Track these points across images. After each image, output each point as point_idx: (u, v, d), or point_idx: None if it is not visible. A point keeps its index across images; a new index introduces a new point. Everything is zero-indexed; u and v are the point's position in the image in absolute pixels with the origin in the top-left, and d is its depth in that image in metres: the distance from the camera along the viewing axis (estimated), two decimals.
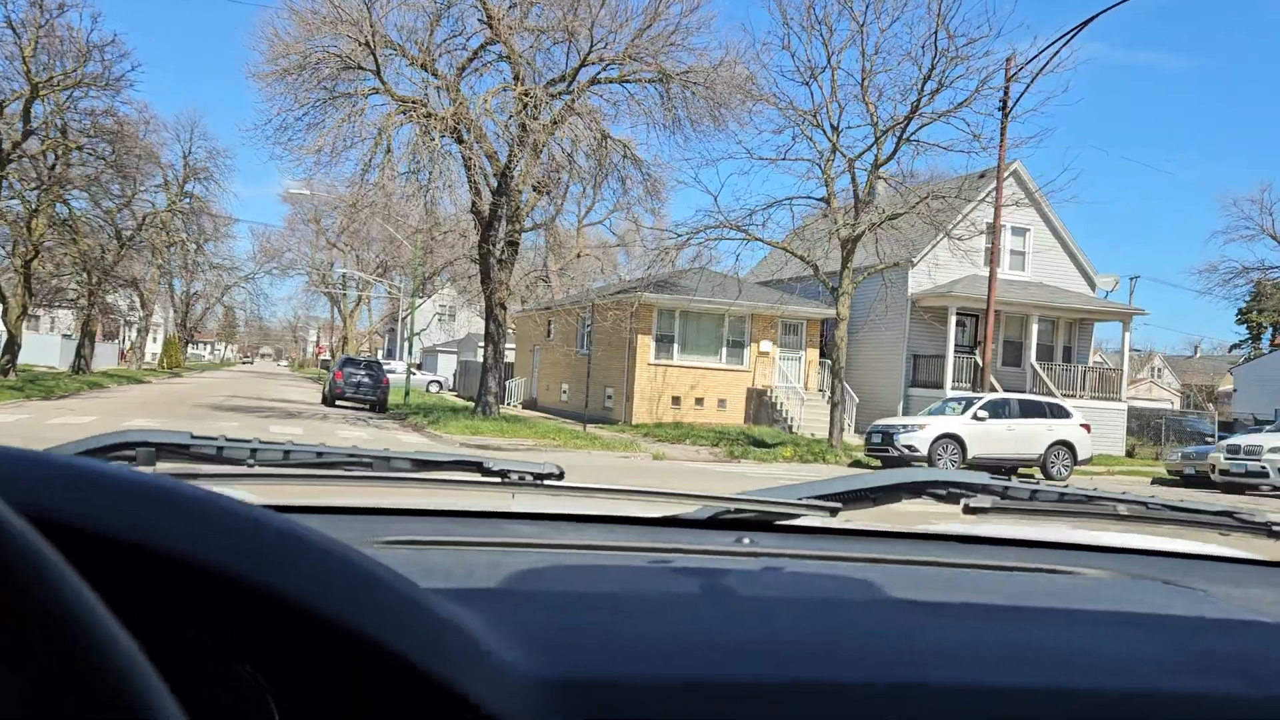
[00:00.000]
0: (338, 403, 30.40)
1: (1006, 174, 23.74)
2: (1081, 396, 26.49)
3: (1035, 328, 28.42)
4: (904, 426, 20.01)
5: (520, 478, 1.23)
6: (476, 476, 1.24)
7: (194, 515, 0.52)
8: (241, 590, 0.51)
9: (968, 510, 1.29)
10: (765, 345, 28.63)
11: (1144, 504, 1.36)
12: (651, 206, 24.42)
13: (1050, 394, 25.63)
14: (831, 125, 21.44)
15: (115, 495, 0.51)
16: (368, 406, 30.05)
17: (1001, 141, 21.21)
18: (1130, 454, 28.57)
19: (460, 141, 21.63)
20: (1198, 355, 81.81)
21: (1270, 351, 46.52)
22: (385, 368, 34.11)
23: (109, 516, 0.50)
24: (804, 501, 1.31)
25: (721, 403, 28.35)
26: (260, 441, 1.24)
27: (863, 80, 21.07)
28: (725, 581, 0.97)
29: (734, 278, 25.89)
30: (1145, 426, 32.37)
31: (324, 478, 1.26)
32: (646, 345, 27.29)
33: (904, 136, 21.02)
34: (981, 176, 26.96)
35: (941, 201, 21.40)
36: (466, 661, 0.57)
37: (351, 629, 0.53)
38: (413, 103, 21.40)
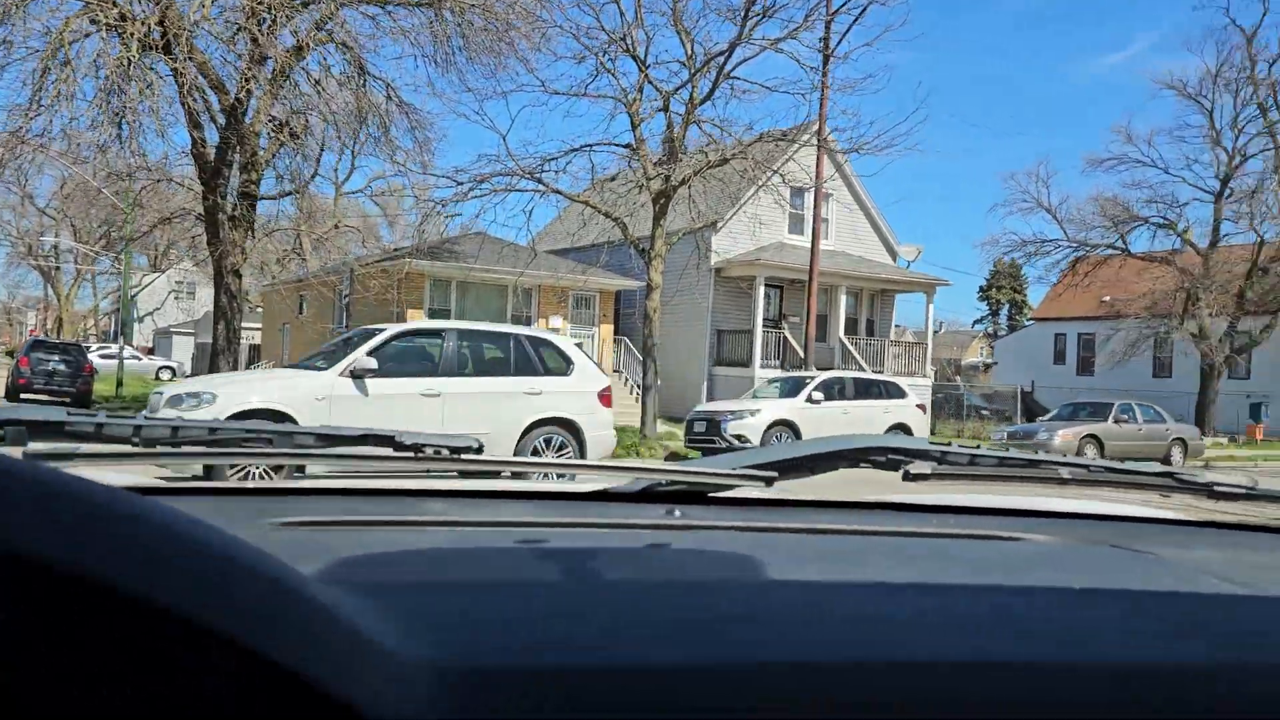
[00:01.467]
0: (23, 396, 23.74)
1: (807, 137, 21.13)
2: (887, 372, 24.31)
3: (843, 299, 26.09)
4: (732, 412, 16.65)
5: (436, 452, 1.17)
6: (387, 452, 1.18)
7: None
8: (52, 576, 0.45)
9: (907, 477, 1.27)
10: (555, 321, 24.74)
11: (1086, 467, 1.36)
12: (423, 159, 19.86)
13: (861, 369, 23.29)
14: (638, 56, 17.68)
15: None
16: (67, 400, 23.62)
17: (824, 82, 18.19)
18: (932, 432, 26.86)
19: (168, 53, 16.16)
20: (942, 330, 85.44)
21: (1030, 325, 47.35)
22: (101, 351, 27.57)
23: None
24: (738, 472, 1.26)
25: None
26: (146, 417, 1.16)
27: (675, 2, 17.42)
28: (649, 558, 0.94)
29: (519, 244, 21.72)
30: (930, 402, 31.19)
31: (220, 455, 1.18)
32: (417, 320, 22.69)
33: (724, 71, 17.57)
34: (784, 137, 24.25)
35: (750, 160, 18.17)
36: (339, 655, 0.52)
37: (187, 617, 0.47)
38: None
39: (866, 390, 18.19)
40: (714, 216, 20.60)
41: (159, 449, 1.16)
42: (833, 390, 17.64)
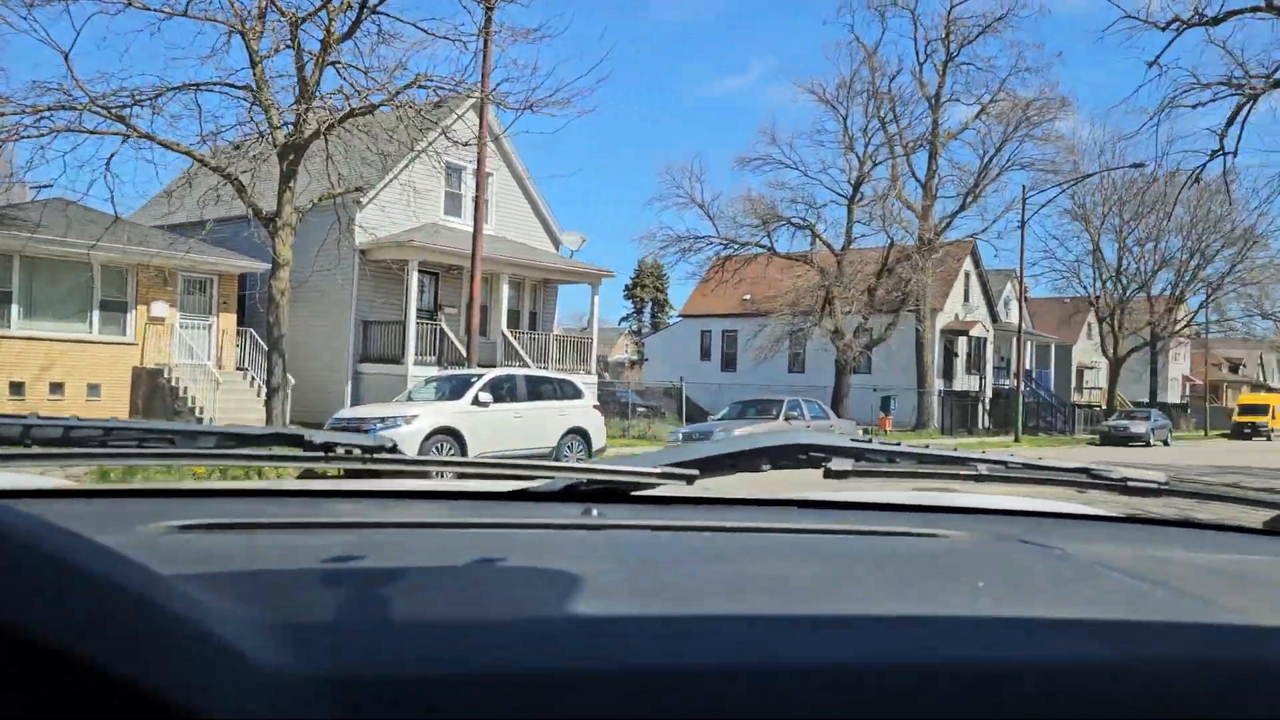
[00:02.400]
0: None
1: (465, 108, 18.42)
2: (551, 368, 22.13)
3: (505, 289, 23.54)
4: (382, 420, 13.41)
5: (347, 452, 1.13)
6: (297, 452, 1.14)
7: None
8: None
9: (828, 474, 1.26)
10: (159, 308, 19.93)
11: (1003, 463, 1.36)
12: None
13: (525, 366, 20.88)
14: None
15: None
16: None
17: (487, 25, 15.46)
18: None
19: None
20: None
21: (677, 322, 47.75)
22: None
23: None
24: (659, 470, 1.24)
25: (93, 389, 19.18)
26: (39, 417, 1.12)
27: None
28: (555, 559, 0.91)
29: (118, 215, 16.81)
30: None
31: (117, 456, 1.14)
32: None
33: (368, 4, 14.26)
34: (438, 105, 21.27)
35: (403, 114, 15.09)
36: (188, 664, 0.49)
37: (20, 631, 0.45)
38: None
39: (540, 390, 15.72)
40: (359, 183, 17.08)
41: (50, 451, 1.12)
42: (502, 390, 14.99)
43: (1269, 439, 48.81)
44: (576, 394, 16.19)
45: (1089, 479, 1.32)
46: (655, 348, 48.94)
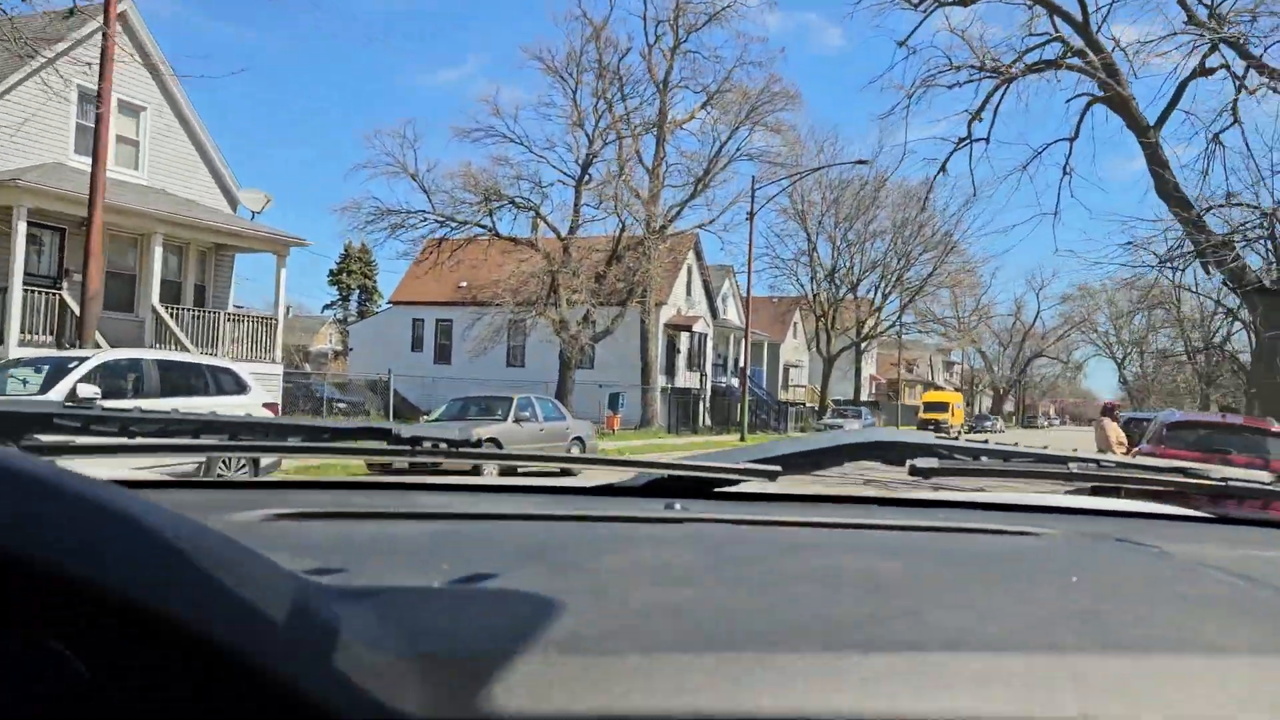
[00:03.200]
0: None
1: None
2: (224, 355, 17.48)
3: (159, 254, 18.44)
4: None
5: (434, 446, 1.15)
6: (383, 444, 1.16)
7: None
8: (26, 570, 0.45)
9: (913, 472, 1.24)
10: None
11: (1095, 462, 1.33)
12: None
13: (184, 350, 16.17)
14: None
15: None
16: None
17: None
18: None
19: None
20: (291, 314, 78.44)
21: (386, 309, 43.07)
22: None
23: None
24: (742, 466, 1.23)
25: None
26: (142, 411, 1.15)
27: None
28: (637, 550, 0.91)
29: None
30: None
31: (215, 448, 1.17)
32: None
33: None
34: (70, 15, 16.10)
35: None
36: (315, 653, 0.51)
37: (154, 611, 0.46)
38: None
39: (181, 381, 11.31)
40: None
41: (152, 442, 1.13)
42: (123, 382, 10.58)
43: (948, 435, 52.04)
44: (239, 387, 11.93)
45: (1184, 479, 1.33)
46: (363, 337, 43.93)
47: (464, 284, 34.43)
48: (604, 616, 0.67)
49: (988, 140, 17.97)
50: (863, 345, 45.42)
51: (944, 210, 42.82)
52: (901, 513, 1.25)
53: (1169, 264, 16.97)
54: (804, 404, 50.67)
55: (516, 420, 15.36)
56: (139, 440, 1.11)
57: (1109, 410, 12.31)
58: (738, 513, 1.11)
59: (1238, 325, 25.29)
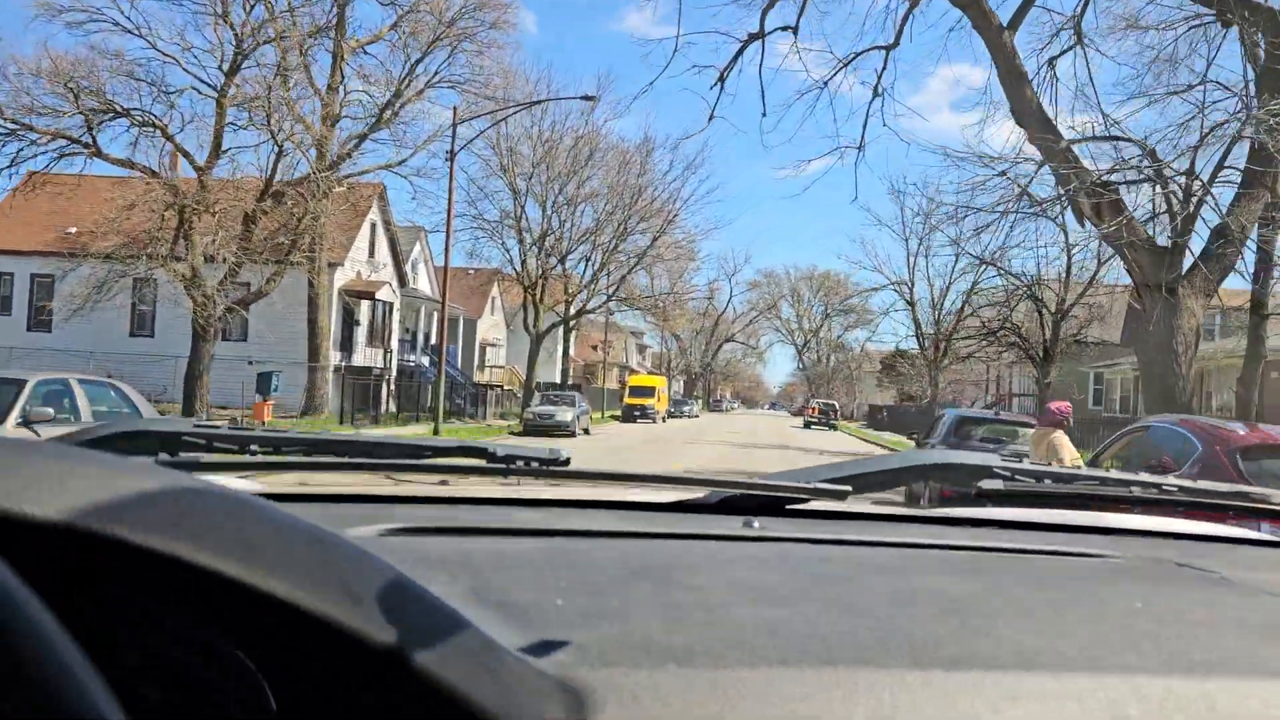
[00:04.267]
0: None
1: None
2: None
3: None
4: None
5: (526, 464, 1.19)
6: (480, 463, 1.20)
7: (185, 508, 0.50)
8: (226, 584, 0.48)
9: (979, 494, 1.26)
10: None
11: (1157, 486, 1.35)
12: None
13: None
14: None
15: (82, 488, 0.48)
16: None
17: None
18: None
19: None
20: None
21: None
22: None
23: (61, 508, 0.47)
24: (813, 485, 1.25)
25: None
26: (264, 428, 1.21)
27: None
28: (735, 569, 0.94)
29: None
30: None
31: (327, 467, 1.21)
32: None
33: None
34: None
35: None
36: (480, 666, 0.54)
37: (339, 625, 0.49)
38: None
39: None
40: None
41: (272, 459, 1.17)
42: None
43: (655, 421, 48.88)
44: None
45: (1248, 504, 1.36)
46: None
47: (72, 229, 25.42)
48: (712, 632, 0.71)
49: (795, 31, 13.28)
50: (572, 324, 40.47)
51: (665, 175, 39.16)
52: (966, 532, 1.28)
53: (1032, 208, 13.23)
54: (502, 386, 45.22)
55: (27, 422, 8.35)
56: (260, 458, 1.16)
57: (1056, 419, 7.56)
58: (814, 531, 1.16)
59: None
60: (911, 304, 29.22)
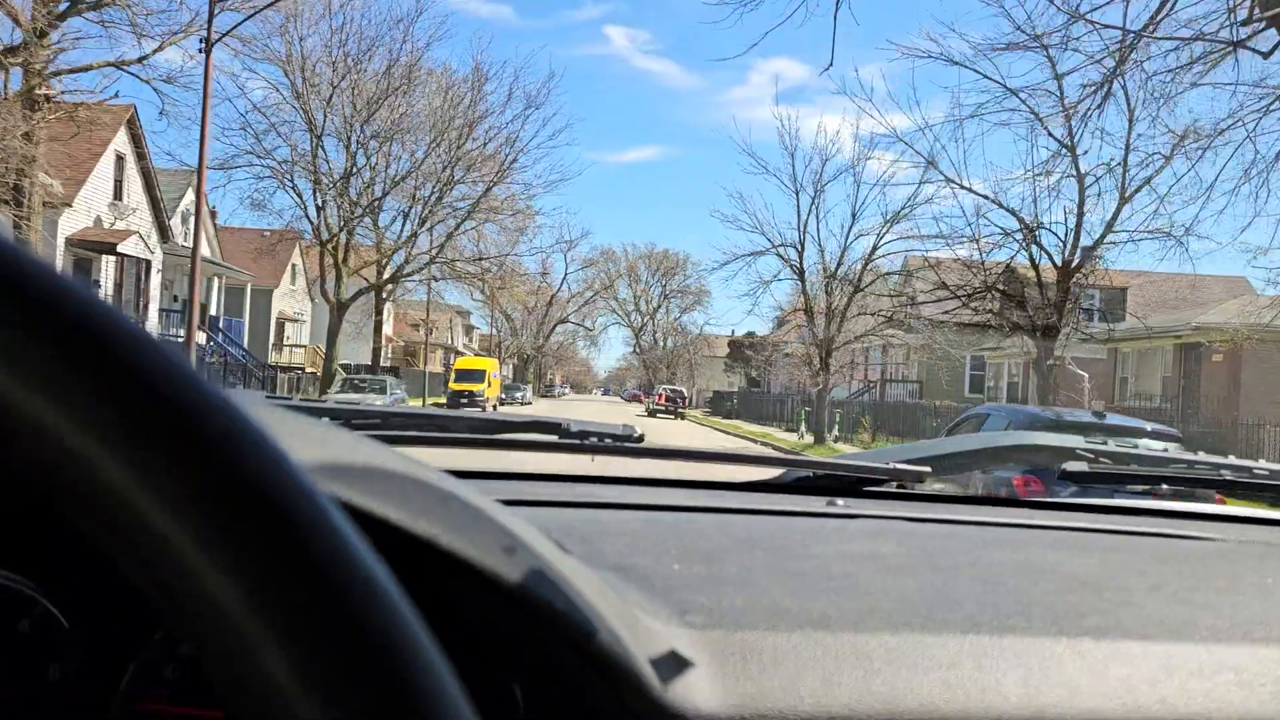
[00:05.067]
0: None
1: None
2: None
3: None
4: None
5: (600, 440, 1.17)
6: (555, 438, 1.19)
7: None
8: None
9: (1064, 475, 1.24)
10: None
11: (1248, 469, 1.31)
12: None
13: None
14: None
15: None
16: None
17: None
18: None
19: None
20: None
21: None
22: None
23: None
24: (891, 466, 1.22)
25: None
26: (334, 404, 1.18)
27: None
28: (845, 541, 0.92)
29: None
30: None
31: (403, 440, 1.19)
32: None
33: None
34: None
35: None
36: (616, 622, 0.54)
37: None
38: None
39: None
40: None
41: (403, 434, 1.17)
42: None
43: (484, 410, 42.60)
44: None
45: None
46: None
47: None
48: (844, 599, 0.69)
49: None
50: (386, 293, 33.35)
51: (501, 112, 32.40)
52: (1059, 515, 1.23)
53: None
54: (304, 369, 37.76)
55: None
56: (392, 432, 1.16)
57: None
58: (902, 510, 1.13)
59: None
60: (801, 272, 24.16)
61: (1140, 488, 1.38)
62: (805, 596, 0.69)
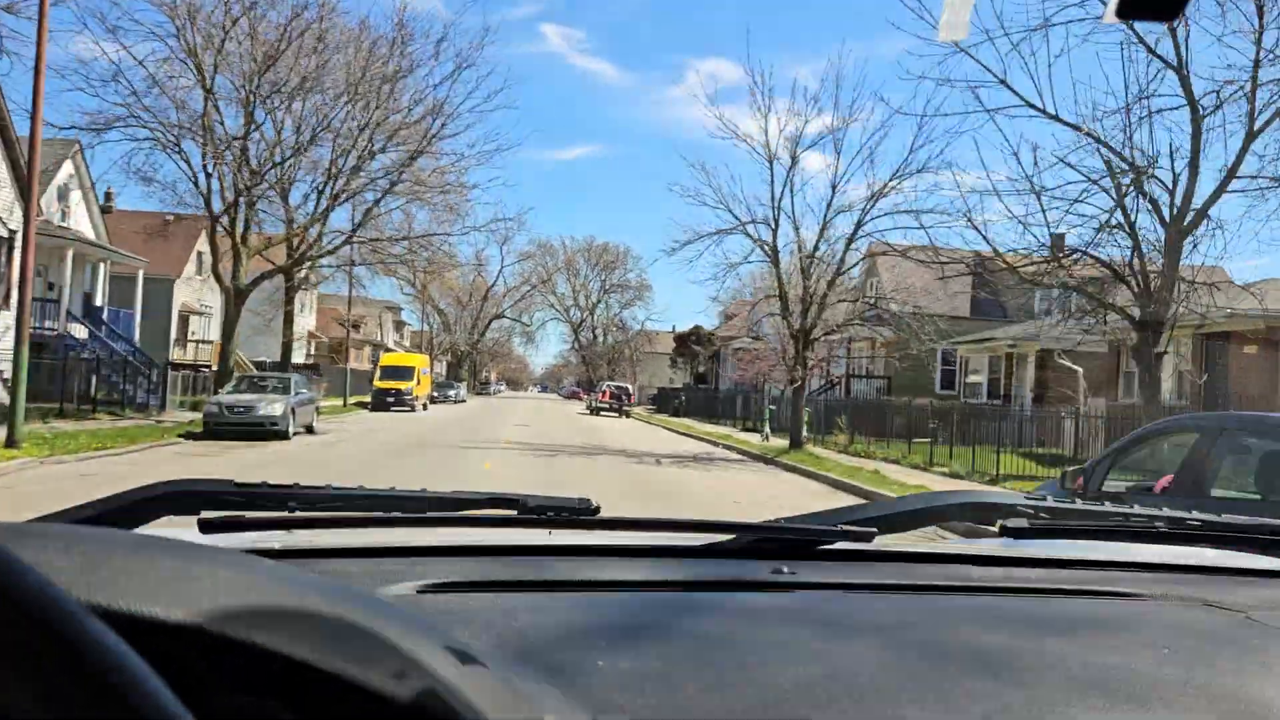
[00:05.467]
0: None
1: None
2: None
3: None
4: None
5: (557, 514, 1.22)
6: (514, 514, 1.23)
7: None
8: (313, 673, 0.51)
9: (1004, 531, 1.27)
10: None
11: (1182, 519, 1.35)
12: None
13: None
14: None
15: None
16: None
17: None
18: None
19: None
20: None
21: None
22: None
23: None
24: (839, 529, 1.27)
25: None
26: (301, 486, 1.23)
27: None
28: (774, 625, 0.97)
29: None
30: None
31: (362, 522, 1.24)
32: None
33: None
34: None
35: None
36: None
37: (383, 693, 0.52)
38: None
39: None
40: None
41: (311, 515, 1.19)
42: None
43: (414, 409, 38.84)
44: None
45: (1273, 536, 1.34)
46: None
47: None
48: (750, 693, 0.74)
49: None
50: (300, 280, 29.24)
51: (428, 73, 28.56)
52: (992, 572, 1.31)
53: None
54: (210, 367, 33.58)
55: None
56: (298, 514, 1.17)
57: None
58: (842, 575, 1.21)
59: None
60: (774, 253, 20.97)
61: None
62: (716, 693, 0.74)
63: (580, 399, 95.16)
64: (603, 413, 46.71)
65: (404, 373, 39.77)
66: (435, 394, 57.26)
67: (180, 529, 1.13)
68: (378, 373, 40.55)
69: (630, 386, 52.37)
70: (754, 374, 30.95)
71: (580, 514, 1.20)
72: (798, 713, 0.71)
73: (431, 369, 63.15)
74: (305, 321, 62.25)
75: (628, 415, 46.79)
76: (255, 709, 0.51)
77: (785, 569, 1.18)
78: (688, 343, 55.72)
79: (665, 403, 55.82)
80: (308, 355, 60.71)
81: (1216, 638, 1.01)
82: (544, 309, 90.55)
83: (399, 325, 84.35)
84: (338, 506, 1.20)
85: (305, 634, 0.51)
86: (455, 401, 57.68)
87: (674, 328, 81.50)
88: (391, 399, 38.00)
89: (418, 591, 1.02)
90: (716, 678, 0.77)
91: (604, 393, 48.59)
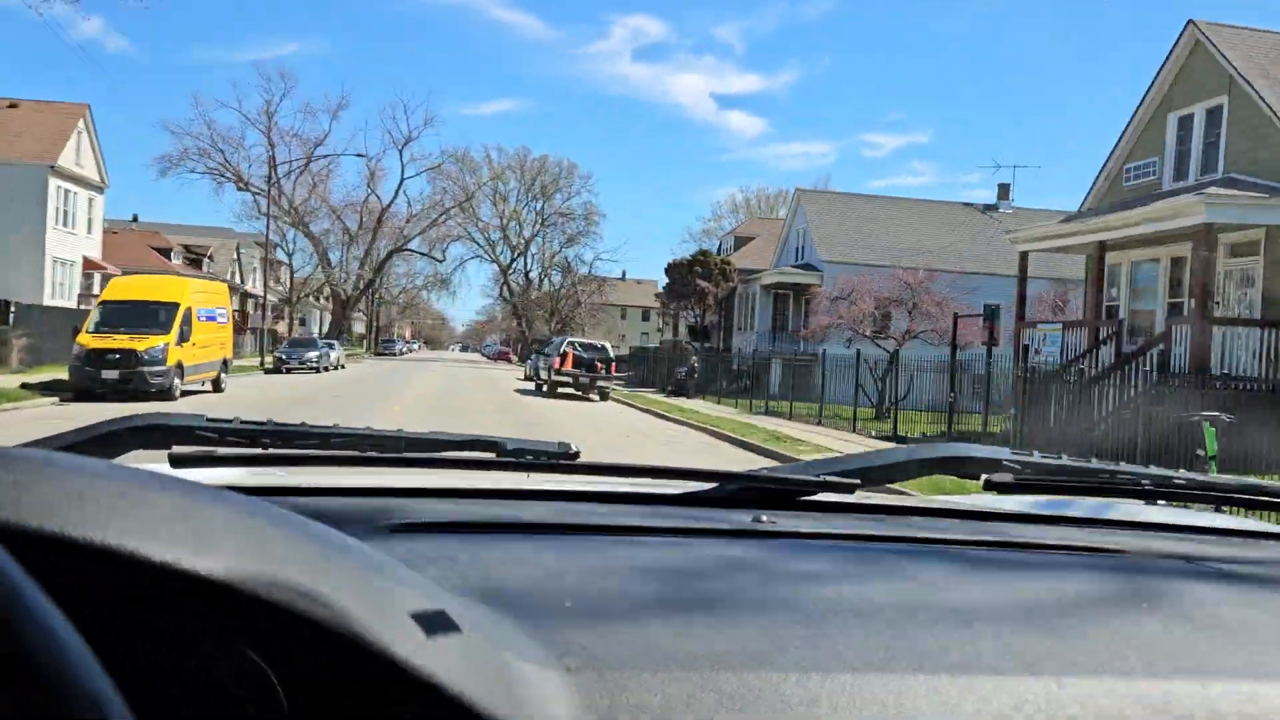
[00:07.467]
0: None
1: None
2: None
3: None
4: None
5: (536, 458, 1.21)
6: (493, 457, 1.21)
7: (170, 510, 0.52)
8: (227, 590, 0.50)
9: (989, 485, 1.25)
10: None
11: (1169, 478, 1.33)
12: None
13: None
14: None
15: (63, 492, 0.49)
16: None
17: None
18: None
19: None
20: None
21: None
22: None
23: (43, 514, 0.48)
24: (821, 479, 1.25)
25: None
26: (274, 423, 1.20)
27: None
28: (749, 573, 0.95)
29: None
30: None
31: (337, 461, 1.21)
32: None
33: None
34: None
35: None
36: (470, 662, 0.56)
37: (350, 632, 0.52)
38: None
39: None
40: None
41: (284, 452, 1.16)
42: None
43: (167, 391, 18.04)
44: None
45: (1264, 496, 1.32)
46: None
47: None
48: (718, 637, 0.73)
49: None
50: None
51: None
52: (974, 526, 1.26)
53: None
54: None
55: None
56: (271, 451, 1.15)
57: None
58: (822, 525, 1.17)
59: None
60: None
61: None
62: (685, 636, 0.72)
63: (510, 360, 73.52)
64: (566, 392, 26.15)
65: (148, 315, 18.57)
66: (284, 356, 35.90)
67: (151, 465, 1.03)
68: (94, 315, 19.18)
69: (609, 345, 31.21)
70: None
71: (560, 458, 1.20)
72: (761, 654, 0.69)
73: (269, 313, 41.73)
74: (80, 245, 39.82)
75: (605, 397, 26.36)
76: (225, 652, 0.50)
77: (765, 517, 1.15)
78: (685, 275, 35.14)
79: (651, 374, 35.36)
80: (82, 294, 38.74)
81: (1196, 595, 0.98)
82: (465, 243, 68.00)
83: (274, 265, 61.56)
84: (312, 444, 1.18)
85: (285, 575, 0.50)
86: (322, 368, 36.48)
87: (645, 282, 60.82)
88: (115, 368, 16.95)
89: (390, 530, 0.99)
90: (685, 622, 0.75)
91: (565, 357, 27.26)
